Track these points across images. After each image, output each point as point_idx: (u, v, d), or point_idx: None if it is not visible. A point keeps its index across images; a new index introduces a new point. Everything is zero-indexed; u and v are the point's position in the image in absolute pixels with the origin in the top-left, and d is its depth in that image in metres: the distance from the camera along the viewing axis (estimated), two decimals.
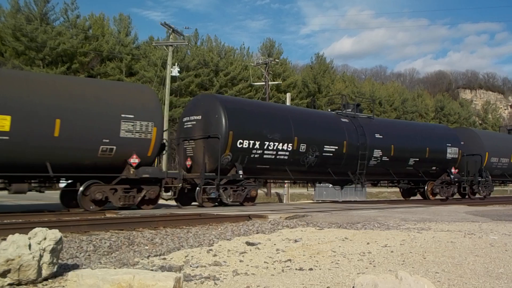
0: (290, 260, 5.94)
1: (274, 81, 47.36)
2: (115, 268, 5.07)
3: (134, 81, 45.52)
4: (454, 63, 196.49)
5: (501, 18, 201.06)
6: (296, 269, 5.38)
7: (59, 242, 4.67)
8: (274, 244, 7.17)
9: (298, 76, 67.28)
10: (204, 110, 17.03)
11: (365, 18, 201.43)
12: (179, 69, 35.85)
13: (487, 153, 25.82)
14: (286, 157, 17.82)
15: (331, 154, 19.53)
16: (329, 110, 24.82)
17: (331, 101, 63.10)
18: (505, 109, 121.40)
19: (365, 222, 10.44)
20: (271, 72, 45.44)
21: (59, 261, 4.82)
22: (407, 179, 23.99)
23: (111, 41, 47.76)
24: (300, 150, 18.22)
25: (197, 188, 16.02)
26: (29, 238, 4.51)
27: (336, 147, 19.73)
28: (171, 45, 34.28)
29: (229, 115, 16.47)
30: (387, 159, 21.56)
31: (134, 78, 46.99)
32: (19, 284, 4.34)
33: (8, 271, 4.28)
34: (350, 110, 22.00)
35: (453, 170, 24.00)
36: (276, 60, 50.81)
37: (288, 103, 37.18)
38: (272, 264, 5.72)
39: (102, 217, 11.67)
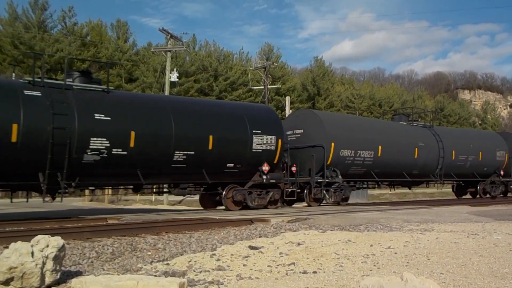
0: (293, 263, 5.92)
1: (273, 84, 47.39)
2: (118, 274, 5.06)
3: (135, 87, 45.53)
4: (454, 64, 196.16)
5: (501, 19, 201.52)
6: (300, 272, 5.36)
7: (61, 249, 4.66)
8: (277, 248, 7.15)
9: (297, 79, 67.38)
10: None
11: (366, 20, 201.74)
12: (178, 75, 35.93)
13: (332, 143, 18.42)
14: None
15: None
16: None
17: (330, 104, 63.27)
18: (504, 109, 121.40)
19: (367, 224, 10.42)
20: (270, 75, 45.51)
21: (62, 268, 4.79)
22: (173, 182, 15.87)
23: (111, 48, 47.83)
24: None
25: None
26: (32, 246, 4.50)
27: None
28: (170, 51, 34.35)
29: None
30: (125, 153, 13.56)
31: (134, 84, 47.01)
32: None
33: (11, 279, 4.26)
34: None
35: (264, 168, 16.81)
36: (275, 63, 50.89)
37: (287, 106, 37.27)
38: (276, 267, 5.70)
39: (104, 223, 11.65)
